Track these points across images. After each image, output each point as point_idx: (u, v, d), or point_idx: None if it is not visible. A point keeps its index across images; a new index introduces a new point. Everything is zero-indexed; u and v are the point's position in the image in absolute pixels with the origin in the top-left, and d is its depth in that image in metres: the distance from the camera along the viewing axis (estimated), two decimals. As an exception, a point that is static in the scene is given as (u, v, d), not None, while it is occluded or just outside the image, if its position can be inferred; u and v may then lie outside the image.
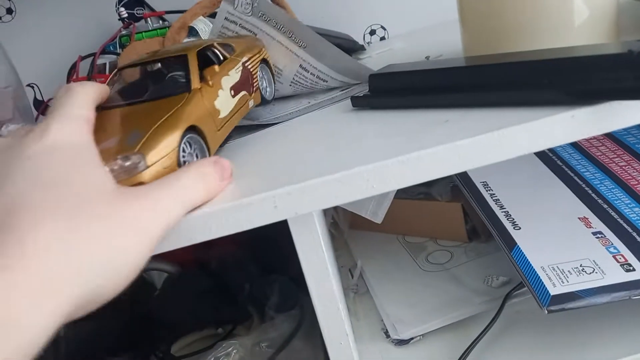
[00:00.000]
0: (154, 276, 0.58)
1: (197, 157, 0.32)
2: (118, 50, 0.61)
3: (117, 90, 0.37)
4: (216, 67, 0.36)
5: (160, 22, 0.64)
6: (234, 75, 0.38)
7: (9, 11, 0.67)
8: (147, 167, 0.28)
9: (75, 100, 0.30)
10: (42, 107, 0.70)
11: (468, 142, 0.29)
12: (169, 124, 0.30)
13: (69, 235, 0.23)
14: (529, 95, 0.32)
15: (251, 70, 0.41)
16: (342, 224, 0.64)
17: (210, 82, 0.35)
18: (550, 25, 0.38)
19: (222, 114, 0.35)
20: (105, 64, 0.61)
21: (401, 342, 0.47)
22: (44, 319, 0.21)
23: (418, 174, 0.30)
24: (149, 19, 0.63)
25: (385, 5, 0.73)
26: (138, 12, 0.69)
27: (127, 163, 0.28)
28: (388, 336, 0.48)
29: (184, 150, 0.31)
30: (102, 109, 0.33)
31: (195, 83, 0.34)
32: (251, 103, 0.41)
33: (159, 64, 0.38)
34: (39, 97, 0.71)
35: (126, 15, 0.65)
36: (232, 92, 0.37)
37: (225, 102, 0.36)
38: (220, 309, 0.54)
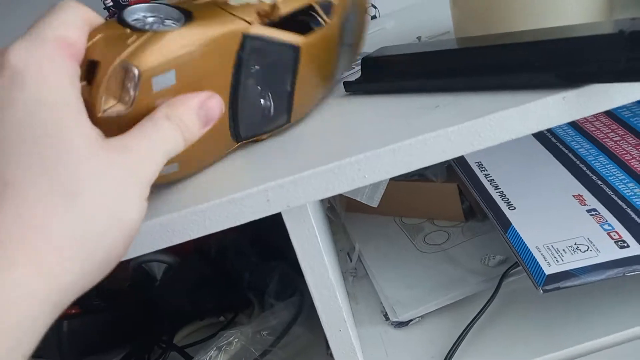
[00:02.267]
0: (153, 267, 0.59)
1: None
2: (105, 41, 0.60)
3: None
4: None
5: (147, 10, 0.63)
6: None
7: (-8, 4, 0.66)
8: None
9: (54, 18, 0.23)
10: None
11: (458, 128, 0.29)
12: None
13: (63, 204, 0.21)
14: (520, 78, 0.31)
15: None
16: (339, 207, 0.65)
17: None
18: (540, -1, 0.37)
19: None
20: (93, 55, 0.60)
21: (400, 324, 0.47)
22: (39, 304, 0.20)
23: (410, 162, 0.30)
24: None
25: (375, -16, 0.72)
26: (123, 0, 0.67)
27: None
28: (387, 319, 0.48)
29: None
30: None
31: None
32: None
33: None
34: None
35: (111, 3, 0.63)
36: None
37: None
38: (221, 297, 0.54)
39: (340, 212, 0.65)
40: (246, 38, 0.30)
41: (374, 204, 0.55)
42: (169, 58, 0.26)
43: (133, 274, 0.57)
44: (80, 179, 0.21)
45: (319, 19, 0.34)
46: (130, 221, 0.23)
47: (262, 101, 0.32)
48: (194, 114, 0.27)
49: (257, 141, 0.35)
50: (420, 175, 0.61)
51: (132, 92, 0.25)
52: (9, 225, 0.20)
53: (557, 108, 0.29)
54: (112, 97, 0.25)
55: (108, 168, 0.22)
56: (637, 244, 0.38)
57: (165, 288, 0.56)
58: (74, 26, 0.24)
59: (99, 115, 0.25)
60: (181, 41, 0.27)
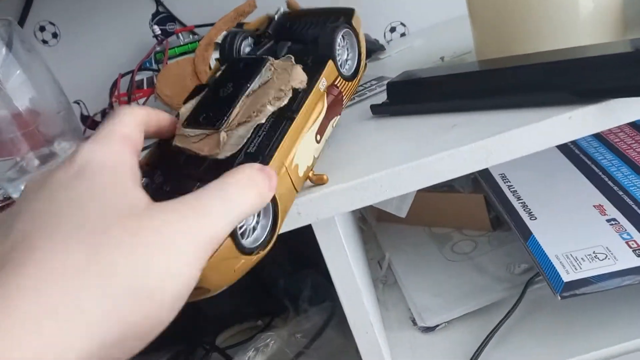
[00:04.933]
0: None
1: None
2: (154, 66, 0.66)
3: None
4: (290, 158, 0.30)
5: (191, 36, 0.68)
6: (316, 121, 0.32)
7: (54, 35, 0.73)
8: None
9: (116, 120, 0.26)
10: (89, 121, 0.76)
11: (470, 147, 0.32)
12: None
13: (86, 265, 0.19)
14: (536, 97, 0.34)
15: (338, 84, 0.35)
16: (370, 218, 0.68)
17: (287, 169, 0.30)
18: (555, 19, 0.40)
19: (303, 171, 0.31)
20: (142, 79, 0.66)
21: (428, 329, 0.50)
22: None
23: (426, 178, 0.33)
24: (180, 34, 0.68)
25: (404, 2, 0.75)
26: (170, 27, 0.73)
27: None
28: (415, 324, 0.51)
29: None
30: None
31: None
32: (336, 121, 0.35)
33: None
34: (85, 113, 0.77)
35: (159, 32, 0.69)
36: (318, 137, 0.33)
37: (306, 158, 0.31)
38: (259, 303, 0.58)
39: (371, 222, 0.68)
40: None
41: (402, 214, 0.57)
42: None
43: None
44: (114, 239, 0.20)
45: None
46: (162, 296, 0.20)
47: None
48: (261, 174, 0.26)
49: None
50: (449, 187, 0.63)
51: None
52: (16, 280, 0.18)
53: (562, 127, 0.31)
54: None
55: (144, 234, 0.21)
56: (655, 252, 0.39)
57: (209, 294, 0.60)
58: (133, 126, 0.27)
59: None
60: None
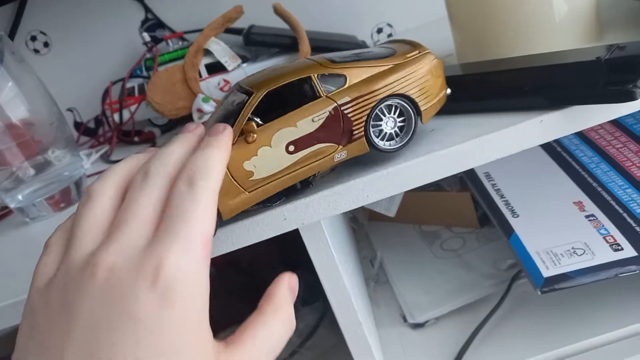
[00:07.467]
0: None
1: None
2: (144, 74, 0.67)
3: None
4: (254, 124, 0.30)
5: (180, 42, 0.69)
6: (303, 127, 0.31)
7: (46, 44, 0.74)
8: None
9: (199, 217, 0.25)
10: (82, 128, 0.78)
11: (447, 151, 0.33)
12: None
13: None
14: (509, 102, 0.35)
15: (351, 115, 0.31)
16: (362, 217, 0.69)
17: (248, 139, 0.30)
18: (532, 22, 0.41)
19: (258, 175, 0.31)
20: (133, 87, 0.67)
21: (417, 325, 0.51)
22: None
23: (405, 183, 0.34)
24: (169, 40, 0.69)
25: (391, 2, 0.76)
26: (159, 34, 0.74)
27: None
28: (405, 320, 0.52)
29: None
30: None
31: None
32: (340, 155, 0.32)
33: (234, 98, 0.32)
34: (78, 120, 0.78)
35: (149, 39, 0.70)
36: (292, 147, 0.31)
37: (268, 161, 0.31)
38: (254, 304, 0.59)
39: (363, 221, 0.69)
40: None
41: (391, 214, 0.59)
42: None
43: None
44: None
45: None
46: None
47: None
48: (290, 305, 0.31)
49: None
50: (436, 185, 0.64)
51: None
52: None
53: (534, 130, 0.33)
54: None
55: None
56: (631, 246, 0.41)
57: (204, 296, 0.62)
58: (212, 220, 0.25)
59: None
60: None
